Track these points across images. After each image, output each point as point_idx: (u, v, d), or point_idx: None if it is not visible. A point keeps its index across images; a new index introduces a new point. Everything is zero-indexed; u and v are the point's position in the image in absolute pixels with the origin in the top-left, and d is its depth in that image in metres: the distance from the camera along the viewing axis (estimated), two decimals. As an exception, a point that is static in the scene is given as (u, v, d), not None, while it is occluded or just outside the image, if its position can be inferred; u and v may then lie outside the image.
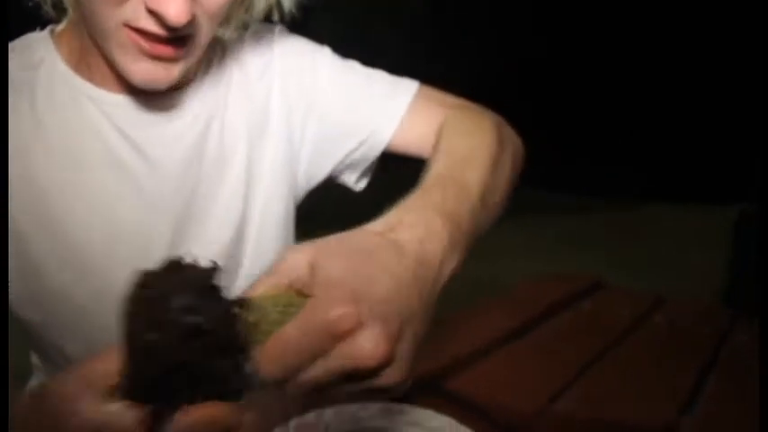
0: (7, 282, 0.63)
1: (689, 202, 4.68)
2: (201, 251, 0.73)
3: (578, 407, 0.72)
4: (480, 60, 5.46)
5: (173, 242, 0.74)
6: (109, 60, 0.67)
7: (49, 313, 0.74)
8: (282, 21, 0.75)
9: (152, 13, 0.59)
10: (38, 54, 0.71)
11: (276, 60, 0.78)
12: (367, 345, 0.39)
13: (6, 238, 0.64)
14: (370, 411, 0.65)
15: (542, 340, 0.91)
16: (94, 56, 0.69)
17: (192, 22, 0.60)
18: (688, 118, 5.21)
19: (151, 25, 0.59)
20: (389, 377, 0.41)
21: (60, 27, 0.73)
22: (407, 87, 0.78)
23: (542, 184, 4.42)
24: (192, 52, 0.64)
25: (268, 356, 0.39)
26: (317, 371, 0.39)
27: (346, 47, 0.84)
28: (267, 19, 0.74)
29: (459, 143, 0.63)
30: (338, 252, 0.43)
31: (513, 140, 0.71)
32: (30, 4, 0.69)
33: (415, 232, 0.46)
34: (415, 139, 0.77)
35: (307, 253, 0.42)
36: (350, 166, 0.81)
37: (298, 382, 0.40)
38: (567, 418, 0.69)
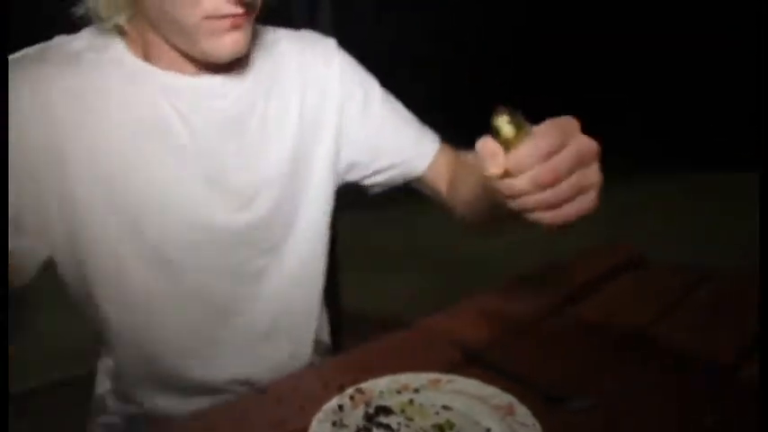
0: (7, 281, 0.67)
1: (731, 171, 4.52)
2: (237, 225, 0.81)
3: (621, 381, 0.74)
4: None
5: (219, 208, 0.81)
6: (180, 48, 0.75)
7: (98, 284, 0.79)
8: None
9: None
10: (103, 40, 0.77)
11: (335, 77, 0.90)
12: (587, 139, 0.54)
13: (6, 238, 0.68)
14: (420, 381, 0.69)
15: (583, 316, 0.92)
16: (156, 44, 0.76)
17: None
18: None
19: (231, 8, 0.71)
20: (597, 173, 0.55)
21: (118, 21, 0.77)
22: (433, 138, 0.97)
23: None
24: (254, 11, 0.76)
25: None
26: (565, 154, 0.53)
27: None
28: None
29: None
30: None
31: None
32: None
33: None
34: (439, 181, 0.95)
35: None
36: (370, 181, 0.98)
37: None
38: (609, 391, 0.71)
